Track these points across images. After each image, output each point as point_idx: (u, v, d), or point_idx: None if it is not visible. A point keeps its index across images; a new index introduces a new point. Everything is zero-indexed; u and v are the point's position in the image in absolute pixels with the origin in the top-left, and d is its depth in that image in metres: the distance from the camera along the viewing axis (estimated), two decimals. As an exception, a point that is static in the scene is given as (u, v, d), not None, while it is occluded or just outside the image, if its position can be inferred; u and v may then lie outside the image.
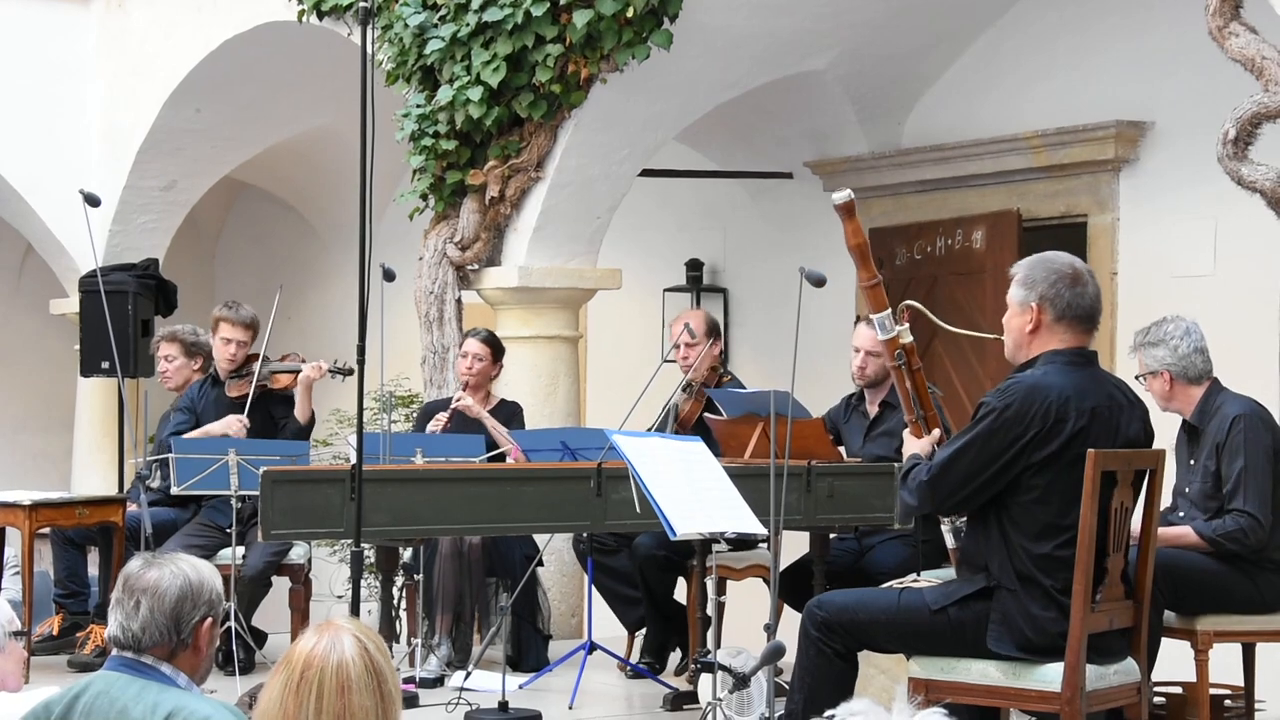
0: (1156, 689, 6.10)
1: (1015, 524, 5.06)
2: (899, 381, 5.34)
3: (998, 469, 5.02)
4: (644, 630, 8.09)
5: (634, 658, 8.03)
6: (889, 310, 5.23)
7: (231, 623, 7.44)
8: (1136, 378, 6.36)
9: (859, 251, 5.25)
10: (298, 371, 8.12)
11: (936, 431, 5.34)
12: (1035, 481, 5.04)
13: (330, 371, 8.12)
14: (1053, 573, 5.02)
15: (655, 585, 7.83)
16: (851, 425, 7.51)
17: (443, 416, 8.17)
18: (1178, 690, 6.44)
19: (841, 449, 7.43)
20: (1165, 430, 6.66)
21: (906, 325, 5.25)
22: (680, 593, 7.99)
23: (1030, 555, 5.04)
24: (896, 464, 6.82)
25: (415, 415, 8.89)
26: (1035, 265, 5.21)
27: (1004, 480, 5.04)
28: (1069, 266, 5.20)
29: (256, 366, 8.13)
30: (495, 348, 8.32)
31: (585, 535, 7.88)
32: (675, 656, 8.06)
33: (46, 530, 8.18)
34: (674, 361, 7.99)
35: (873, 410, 7.45)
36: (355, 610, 6.28)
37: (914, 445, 5.31)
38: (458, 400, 8.17)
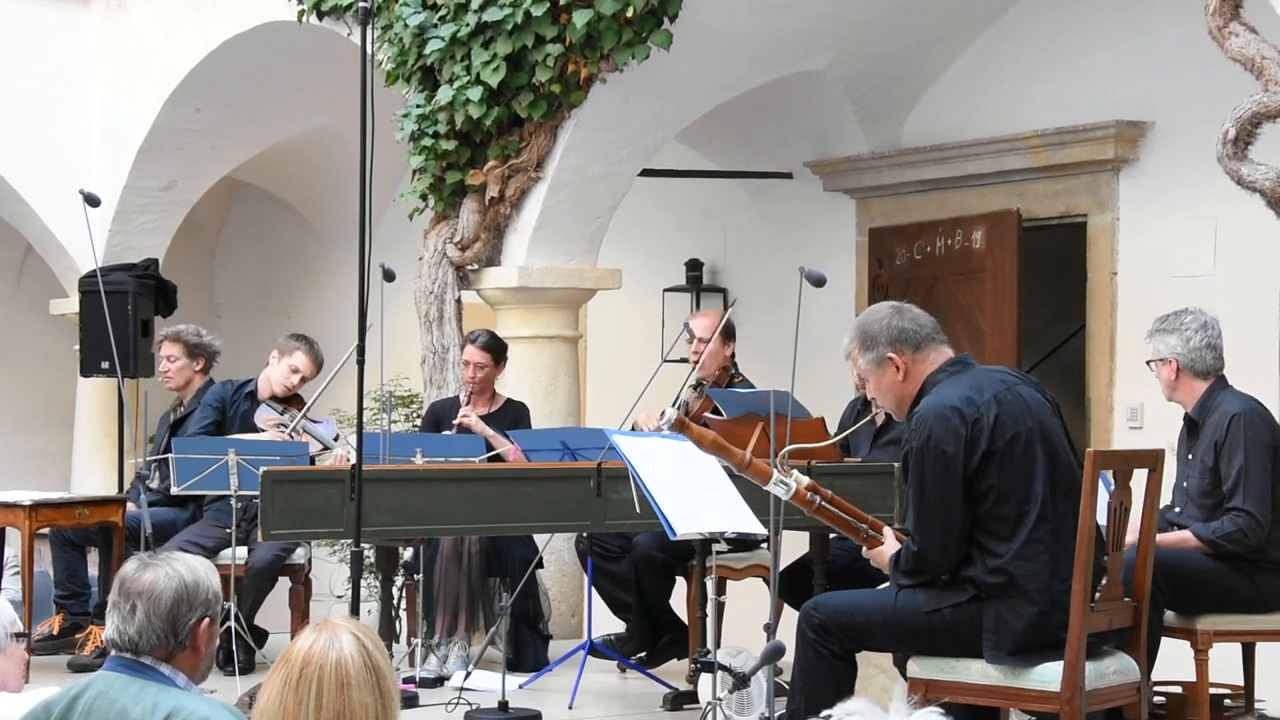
0: (1156, 688, 6.10)
1: (986, 531, 5.09)
2: (828, 519, 5.27)
3: (960, 494, 5.06)
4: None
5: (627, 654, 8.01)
6: (775, 473, 5.16)
7: (231, 623, 7.44)
8: (1147, 363, 6.36)
9: (715, 446, 5.20)
10: (326, 447, 8.02)
11: (888, 529, 5.33)
12: (987, 484, 5.07)
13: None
14: (1034, 558, 5.04)
15: (648, 588, 7.80)
16: (859, 431, 7.50)
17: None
18: (1178, 690, 6.43)
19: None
20: (1166, 429, 6.68)
21: (795, 472, 5.22)
22: (678, 596, 7.97)
23: (1008, 554, 5.05)
24: (897, 464, 6.86)
25: (422, 415, 8.88)
26: (863, 328, 5.29)
27: (967, 500, 5.07)
28: (886, 306, 5.34)
29: (296, 415, 8.04)
30: (496, 351, 8.30)
31: (585, 535, 7.88)
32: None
33: (46, 530, 8.18)
34: (681, 361, 7.97)
35: (880, 417, 7.43)
36: (355, 610, 6.28)
37: (886, 551, 5.28)
38: (462, 416, 8.17)
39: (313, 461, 7.75)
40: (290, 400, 8.23)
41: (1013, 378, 5.27)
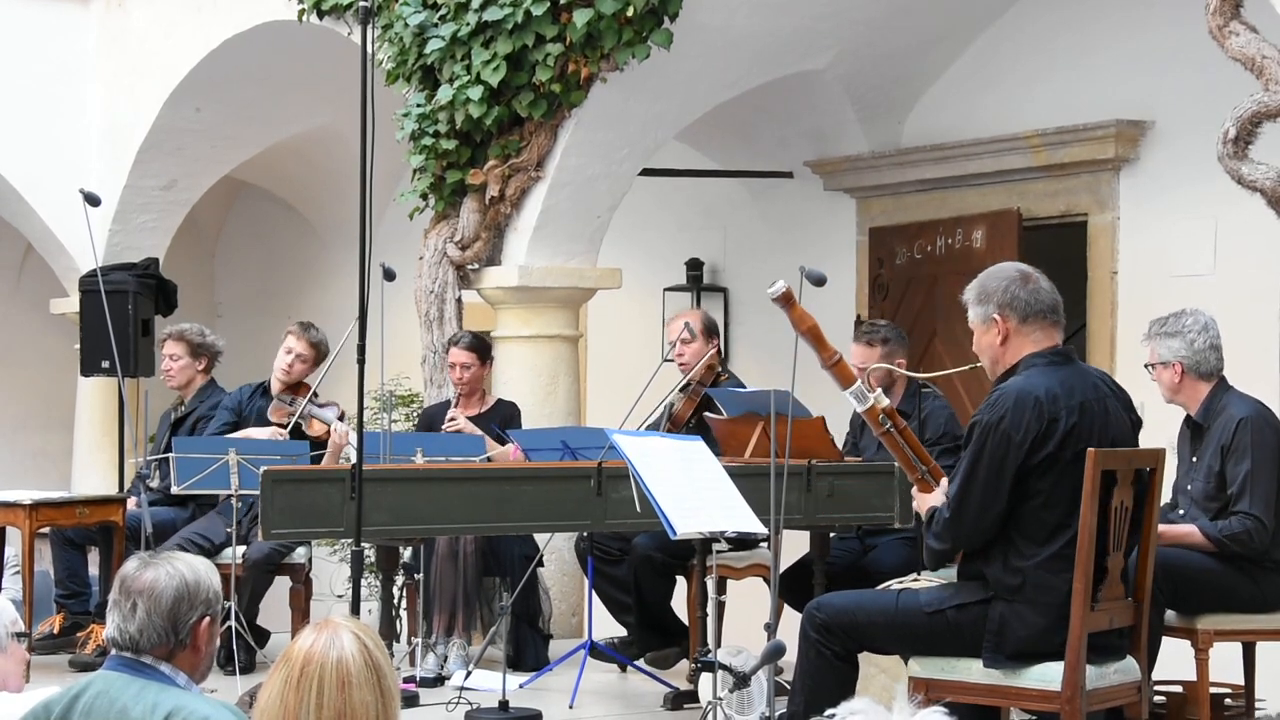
0: (1157, 688, 6.10)
1: (1020, 530, 5.07)
2: (892, 446, 5.28)
3: (1010, 483, 5.03)
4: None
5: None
6: (858, 381, 5.20)
7: (232, 622, 7.44)
8: (1146, 366, 6.36)
9: (811, 334, 5.23)
10: (329, 426, 8.11)
11: (945, 480, 5.31)
12: (1039, 485, 5.04)
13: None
14: (1058, 573, 5.02)
15: (647, 590, 7.79)
16: (868, 430, 7.47)
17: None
18: (1178, 689, 6.44)
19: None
20: (1166, 428, 6.67)
21: (879, 390, 5.24)
22: (679, 596, 7.97)
23: (1035, 558, 5.04)
24: (897, 466, 6.87)
25: (416, 418, 8.89)
26: (984, 281, 5.24)
27: (1016, 493, 5.05)
28: (1015, 270, 5.26)
29: (301, 402, 8.13)
30: (481, 351, 8.31)
31: (585, 535, 7.87)
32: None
33: (47, 530, 8.18)
34: (673, 361, 7.98)
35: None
36: (355, 610, 6.28)
37: (929, 499, 5.26)
38: (450, 421, 8.18)
39: (316, 452, 7.81)
40: (298, 389, 8.28)
41: (1107, 389, 5.22)
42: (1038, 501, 5.05)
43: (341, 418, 8.16)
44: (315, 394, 8.23)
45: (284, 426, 8.12)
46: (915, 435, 7.06)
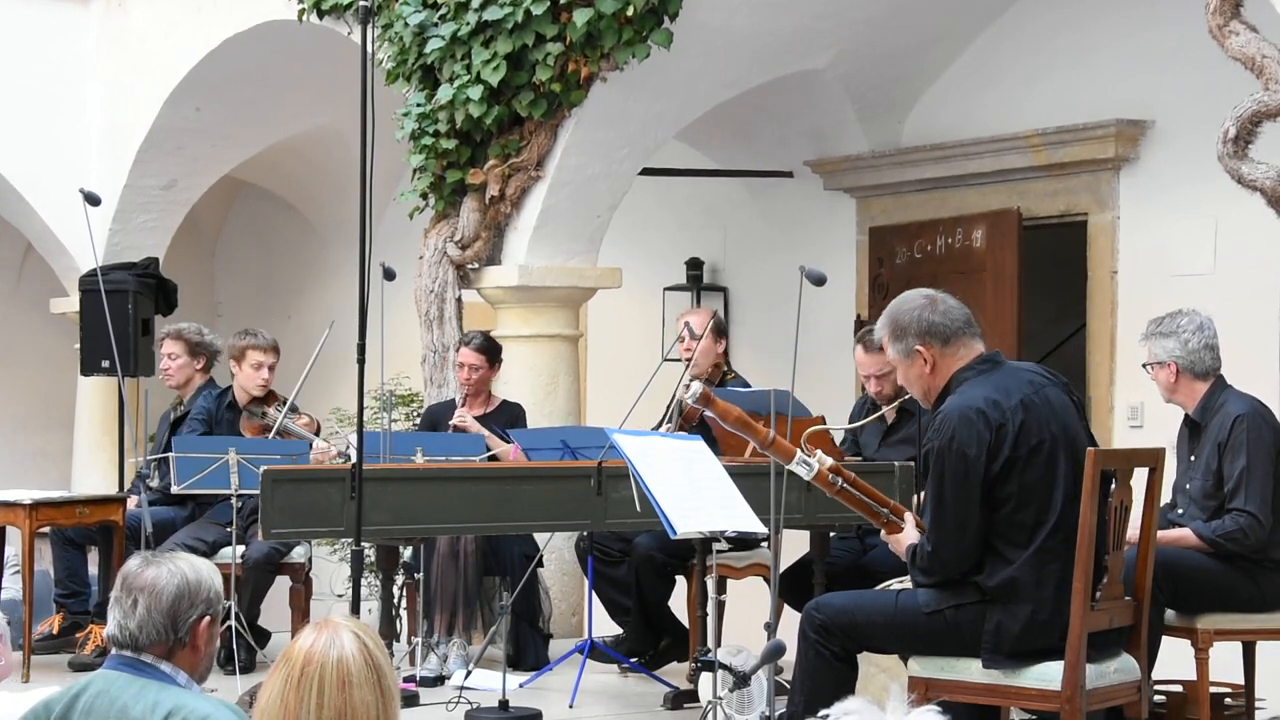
0: (1157, 687, 6.10)
1: (1001, 537, 5.08)
2: (849, 501, 5.26)
3: (980, 499, 5.04)
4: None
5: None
6: (799, 452, 5.18)
7: (232, 621, 7.44)
8: (1144, 366, 6.36)
9: (739, 422, 5.21)
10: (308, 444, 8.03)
11: (910, 515, 5.32)
12: (1007, 491, 5.05)
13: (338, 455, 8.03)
14: (1045, 566, 5.03)
15: (648, 590, 7.79)
16: (868, 427, 7.48)
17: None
18: (1178, 689, 6.44)
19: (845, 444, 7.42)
20: (1166, 428, 6.68)
21: (819, 452, 5.23)
22: (677, 597, 7.96)
23: (1019, 560, 5.05)
24: (898, 463, 6.88)
25: (419, 417, 8.88)
26: (894, 316, 5.24)
27: (986, 504, 5.05)
28: (920, 296, 5.26)
29: (273, 411, 8.06)
30: (491, 353, 8.31)
31: (585, 535, 7.87)
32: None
33: (47, 529, 8.18)
34: (678, 360, 7.97)
35: (890, 415, 7.40)
36: (356, 609, 6.28)
37: (905, 539, 5.26)
38: (457, 419, 8.17)
39: None
40: (268, 398, 8.23)
41: (1041, 379, 5.23)
42: (1009, 508, 5.06)
43: (317, 431, 8.10)
44: (294, 407, 8.08)
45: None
46: (915, 437, 7.12)
